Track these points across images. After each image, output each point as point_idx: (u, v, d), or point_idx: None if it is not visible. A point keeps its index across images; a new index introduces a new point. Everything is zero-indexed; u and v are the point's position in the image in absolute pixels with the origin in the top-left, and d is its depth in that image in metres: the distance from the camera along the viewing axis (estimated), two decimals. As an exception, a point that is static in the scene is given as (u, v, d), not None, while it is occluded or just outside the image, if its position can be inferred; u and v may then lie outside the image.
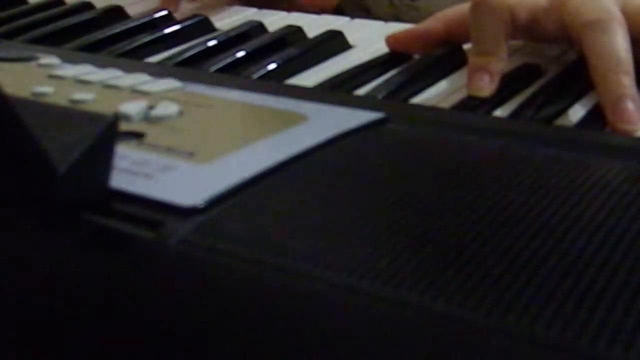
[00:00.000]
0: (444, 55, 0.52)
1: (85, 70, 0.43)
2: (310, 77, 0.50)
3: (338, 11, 0.74)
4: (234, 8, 0.66)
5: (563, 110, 0.44)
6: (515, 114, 0.44)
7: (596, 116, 0.43)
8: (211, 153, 0.32)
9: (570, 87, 0.47)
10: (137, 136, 0.34)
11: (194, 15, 0.62)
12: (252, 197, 0.29)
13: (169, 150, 0.32)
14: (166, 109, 0.37)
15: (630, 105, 0.41)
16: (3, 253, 0.29)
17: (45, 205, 0.28)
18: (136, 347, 0.25)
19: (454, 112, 0.44)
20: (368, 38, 0.57)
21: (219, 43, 0.56)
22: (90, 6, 0.67)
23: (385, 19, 0.62)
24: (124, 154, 0.32)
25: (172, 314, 0.25)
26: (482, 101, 0.46)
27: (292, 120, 0.36)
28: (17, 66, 0.45)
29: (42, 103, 0.37)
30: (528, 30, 0.49)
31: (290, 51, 0.54)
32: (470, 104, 0.45)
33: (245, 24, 0.60)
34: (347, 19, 0.61)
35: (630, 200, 0.28)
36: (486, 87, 0.46)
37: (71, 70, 0.43)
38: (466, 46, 0.53)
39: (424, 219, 0.28)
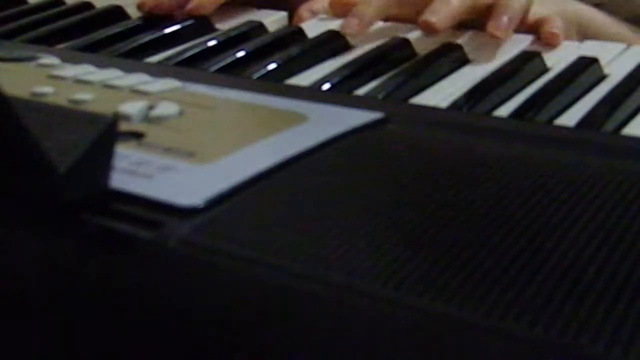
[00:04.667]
0: (443, 55, 0.52)
1: (85, 70, 0.43)
2: (310, 77, 0.50)
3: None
4: (233, 8, 0.66)
5: (563, 110, 0.44)
6: (515, 114, 0.44)
7: (596, 116, 0.43)
8: (211, 153, 0.32)
9: (571, 86, 0.47)
10: (137, 136, 0.34)
11: (194, 15, 0.62)
12: (252, 197, 0.29)
13: (169, 150, 0.32)
14: (166, 109, 0.37)
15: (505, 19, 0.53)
16: (2, 253, 0.29)
17: (45, 205, 0.28)
18: (136, 347, 0.25)
19: (454, 112, 0.44)
20: (368, 38, 0.57)
21: (219, 43, 0.56)
22: (90, 6, 0.67)
23: None
24: (124, 154, 0.32)
25: (171, 314, 0.25)
26: (480, 99, 0.46)
27: (292, 120, 0.36)
28: (17, 66, 0.45)
29: (42, 103, 0.37)
30: None
31: (290, 51, 0.54)
32: (466, 102, 0.45)
33: (245, 24, 0.60)
34: None
35: (630, 201, 0.28)
36: (353, 27, 0.55)
37: (71, 70, 0.43)
38: (466, 47, 0.53)
39: (423, 219, 0.28)
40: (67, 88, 0.40)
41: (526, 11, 0.56)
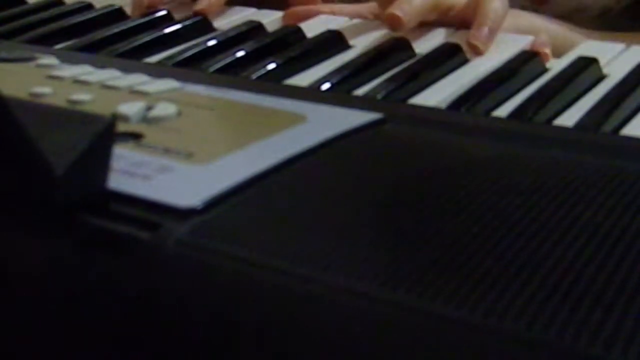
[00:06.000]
0: (443, 55, 0.52)
1: (84, 71, 0.43)
2: (309, 77, 0.50)
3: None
4: (233, 8, 0.66)
5: (562, 111, 0.44)
6: (514, 114, 0.44)
7: (595, 116, 0.43)
8: (209, 154, 0.32)
9: (570, 87, 0.47)
10: (135, 137, 0.34)
11: (194, 15, 0.62)
12: (250, 198, 0.29)
13: (167, 151, 0.32)
14: (164, 109, 0.36)
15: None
16: (1, 253, 0.29)
17: (43, 207, 0.28)
18: (134, 348, 0.25)
19: (453, 112, 0.44)
20: (367, 38, 0.57)
21: (219, 43, 0.56)
22: (90, 6, 0.67)
23: None
24: (122, 155, 0.31)
25: (169, 315, 0.25)
26: (479, 99, 0.46)
27: (291, 120, 0.36)
28: (16, 66, 0.45)
29: (40, 104, 0.37)
30: None
31: (290, 51, 0.54)
32: (465, 102, 0.45)
33: (245, 24, 0.60)
34: (346, 18, 0.61)
35: (629, 201, 0.28)
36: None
37: (70, 71, 0.43)
38: (465, 47, 0.53)
39: (422, 220, 0.28)
40: (65, 88, 0.40)
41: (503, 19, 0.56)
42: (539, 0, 0.66)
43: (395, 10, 0.55)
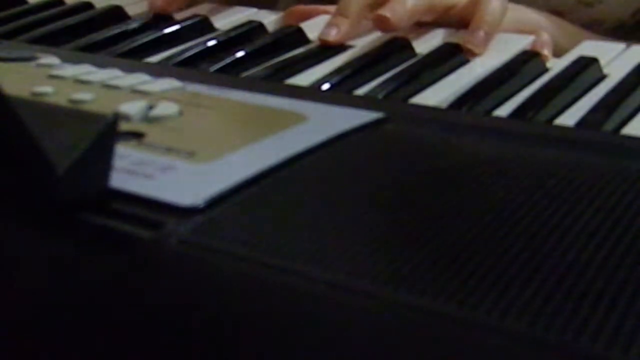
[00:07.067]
0: (443, 55, 0.52)
1: (85, 70, 0.43)
2: (310, 77, 0.50)
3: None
4: (234, 8, 0.66)
5: (563, 110, 0.44)
6: (515, 114, 0.44)
7: (596, 116, 0.43)
8: (211, 153, 0.32)
9: (571, 86, 0.47)
10: (137, 136, 0.34)
11: (194, 15, 0.62)
12: (252, 197, 0.29)
13: (169, 150, 0.32)
14: (166, 109, 0.37)
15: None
16: (2, 253, 0.29)
17: (44, 206, 0.28)
18: (135, 348, 0.25)
19: (453, 112, 0.44)
20: (367, 38, 0.57)
21: (219, 43, 0.56)
22: (90, 6, 0.67)
23: None
24: (124, 154, 0.32)
25: (171, 314, 0.25)
26: (479, 99, 0.46)
27: (292, 120, 0.36)
28: (17, 66, 0.45)
29: (41, 103, 0.37)
30: None
31: (290, 51, 0.54)
32: (466, 102, 0.45)
33: (245, 24, 0.60)
34: None
35: (630, 200, 0.28)
36: (332, 36, 0.55)
37: (71, 70, 0.43)
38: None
39: (423, 219, 0.28)
40: (67, 88, 0.40)
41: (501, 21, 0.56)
42: (555, 13, 0.65)
43: (384, 11, 0.54)
